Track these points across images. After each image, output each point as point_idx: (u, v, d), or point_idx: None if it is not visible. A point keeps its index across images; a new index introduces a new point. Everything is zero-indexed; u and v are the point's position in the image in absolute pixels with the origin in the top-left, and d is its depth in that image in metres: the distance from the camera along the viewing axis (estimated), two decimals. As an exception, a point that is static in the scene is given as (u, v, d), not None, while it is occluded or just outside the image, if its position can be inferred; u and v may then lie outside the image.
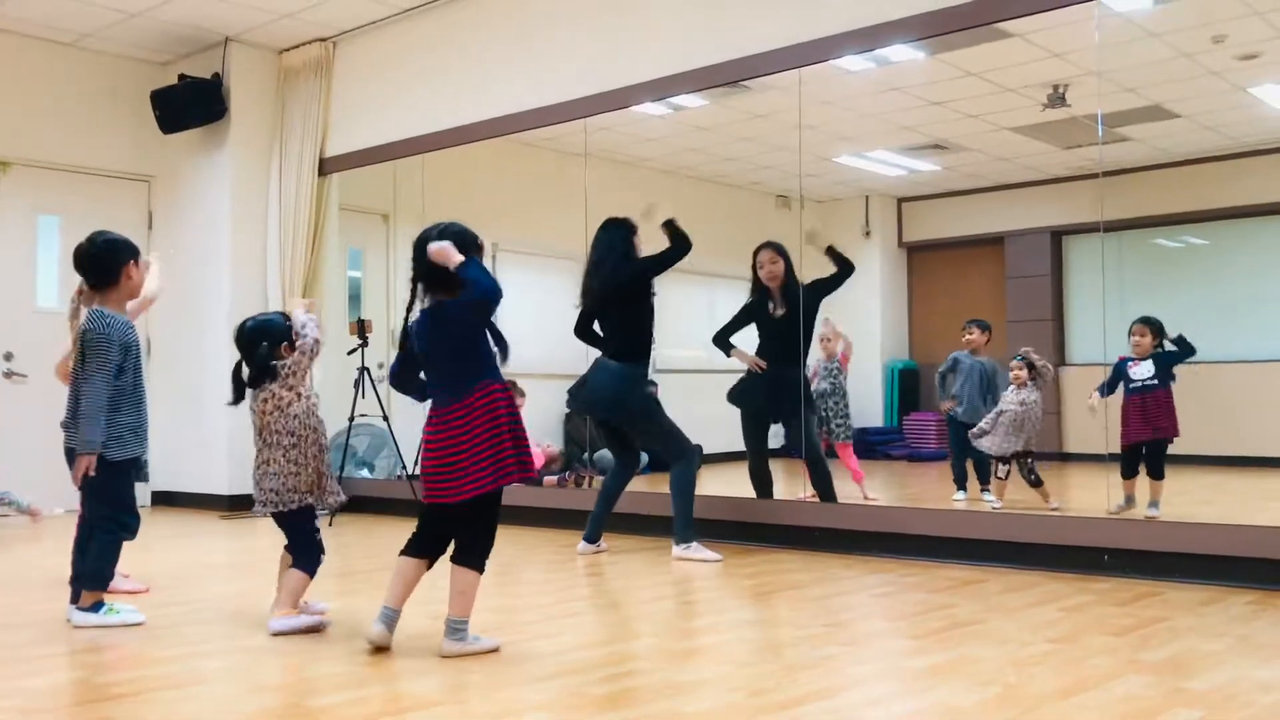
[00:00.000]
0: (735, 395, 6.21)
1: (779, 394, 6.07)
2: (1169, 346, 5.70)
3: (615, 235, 5.43)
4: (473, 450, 3.32)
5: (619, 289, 5.35)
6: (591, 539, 5.58)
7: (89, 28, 7.75)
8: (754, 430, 6.16)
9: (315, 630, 3.72)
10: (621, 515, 6.22)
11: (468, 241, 3.42)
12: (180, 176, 8.41)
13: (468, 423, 3.34)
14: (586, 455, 8.15)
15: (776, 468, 6.12)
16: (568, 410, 8.04)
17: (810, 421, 6.12)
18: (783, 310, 6.07)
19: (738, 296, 6.35)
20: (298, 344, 3.88)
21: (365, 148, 7.87)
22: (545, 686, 2.99)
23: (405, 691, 2.96)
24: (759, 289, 6.16)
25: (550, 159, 7.66)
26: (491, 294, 3.36)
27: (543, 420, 8.63)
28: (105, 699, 2.92)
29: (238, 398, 3.89)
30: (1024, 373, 6.22)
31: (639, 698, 2.88)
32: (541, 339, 8.24)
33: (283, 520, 3.90)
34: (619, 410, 5.43)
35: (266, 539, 6.40)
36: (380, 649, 3.38)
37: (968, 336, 6.81)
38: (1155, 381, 5.60)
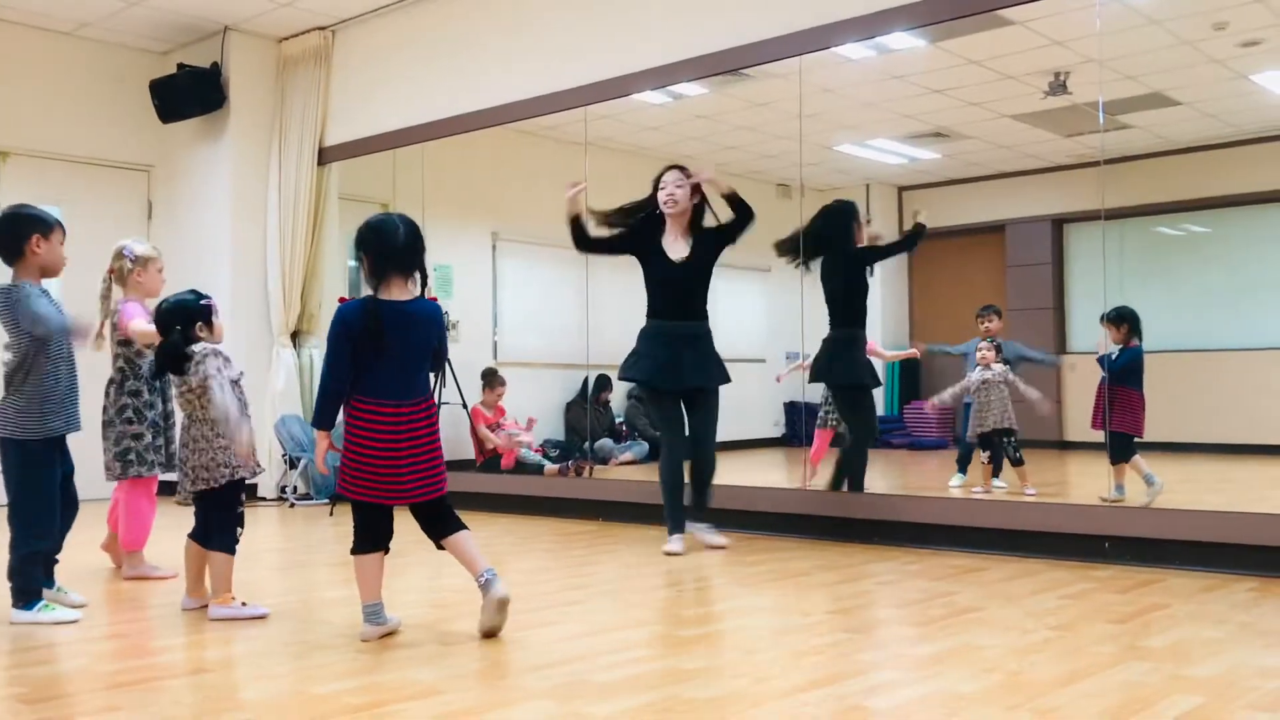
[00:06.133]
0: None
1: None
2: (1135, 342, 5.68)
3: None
4: (439, 447, 3.50)
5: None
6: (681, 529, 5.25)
7: (88, 17, 7.73)
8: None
9: (259, 619, 3.77)
10: (621, 504, 6.25)
11: (419, 233, 3.52)
12: (179, 166, 8.40)
13: (435, 420, 3.49)
14: (587, 445, 8.16)
15: (776, 455, 6.11)
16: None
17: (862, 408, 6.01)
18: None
19: (741, 286, 6.31)
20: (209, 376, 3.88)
21: (365, 137, 7.86)
22: (548, 674, 2.99)
23: (408, 679, 2.97)
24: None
25: (550, 148, 7.65)
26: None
27: (543, 408, 8.65)
28: (109, 687, 2.92)
29: (159, 373, 4.07)
30: (991, 354, 6.30)
31: (643, 685, 2.89)
32: (542, 328, 8.25)
33: (208, 498, 3.90)
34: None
35: (262, 528, 6.41)
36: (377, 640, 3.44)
37: (986, 325, 6.76)
38: (1104, 375, 5.59)
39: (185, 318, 3.94)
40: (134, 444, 4.63)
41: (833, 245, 5.96)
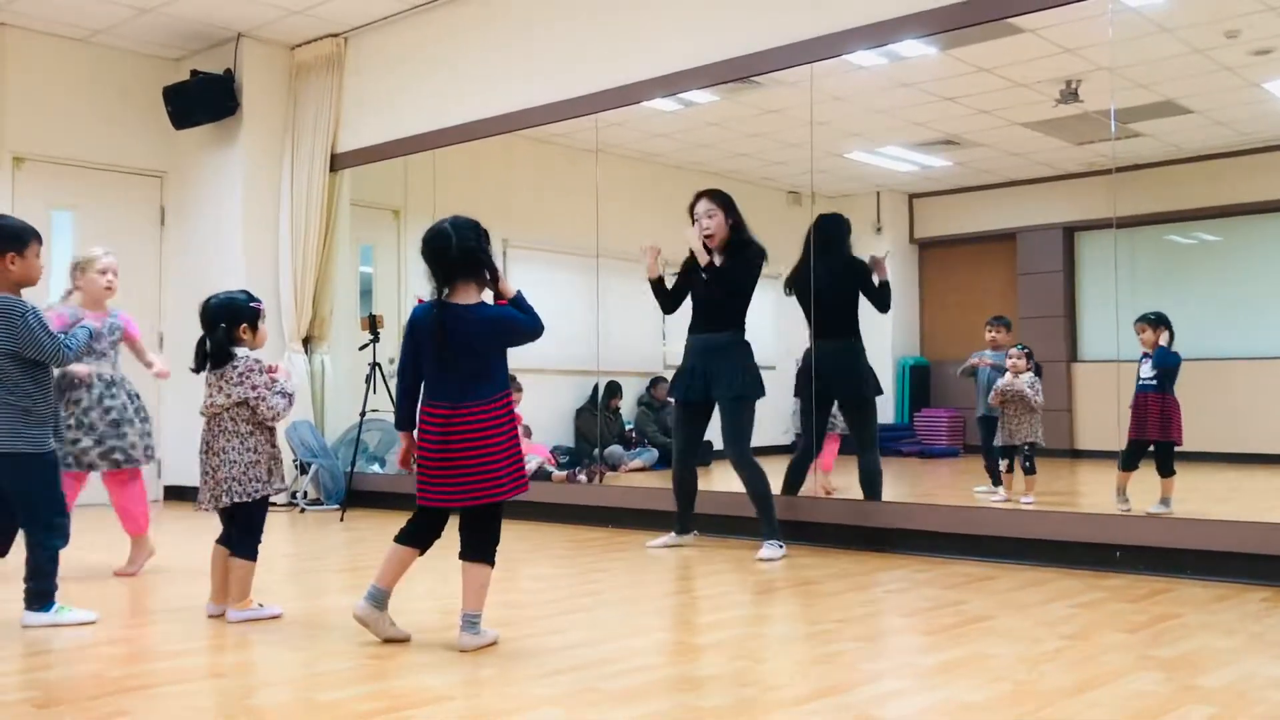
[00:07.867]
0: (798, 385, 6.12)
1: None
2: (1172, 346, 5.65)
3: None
4: (501, 454, 3.34)
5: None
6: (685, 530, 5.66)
7: (102, 24, 7.77)
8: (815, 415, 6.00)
9: (275, 618, 3.83)
10: (631, 511, 6.25)
11: (479, 233, 3.45)
12: (192, 172, 8.44)
13: (495, 426, 3.35)
14: (597, 451, 8.16)
15: (785, 463, 6.09)
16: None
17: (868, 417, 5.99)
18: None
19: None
20: (272, 406, 3.88)
21: (376, 144, 7.89)
22: (557, 681, 2.99)
23: (417, 686, 2.97)
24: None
25: (561, 155, 7.66)
26: (538, 332, 3.50)
27: (553, 416, 8.66)
28: (119, 692, 2.93)
29: (199, 366, 3.93)
30: (1023, 361, 6.28)
31: (652, 693, 2.89)
32: (553, 336, 8.25)
33: (237, 510, 3.88)
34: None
35: (273, 534, 6.42)
36: (365, 626, 3.43)
37: (993, 335, 6.72)
38: (1154, 383, 5.56)
39: (231, 316, 3.90)
40: (71, 448, 4.66)
41: (831, 250, 5.97)
